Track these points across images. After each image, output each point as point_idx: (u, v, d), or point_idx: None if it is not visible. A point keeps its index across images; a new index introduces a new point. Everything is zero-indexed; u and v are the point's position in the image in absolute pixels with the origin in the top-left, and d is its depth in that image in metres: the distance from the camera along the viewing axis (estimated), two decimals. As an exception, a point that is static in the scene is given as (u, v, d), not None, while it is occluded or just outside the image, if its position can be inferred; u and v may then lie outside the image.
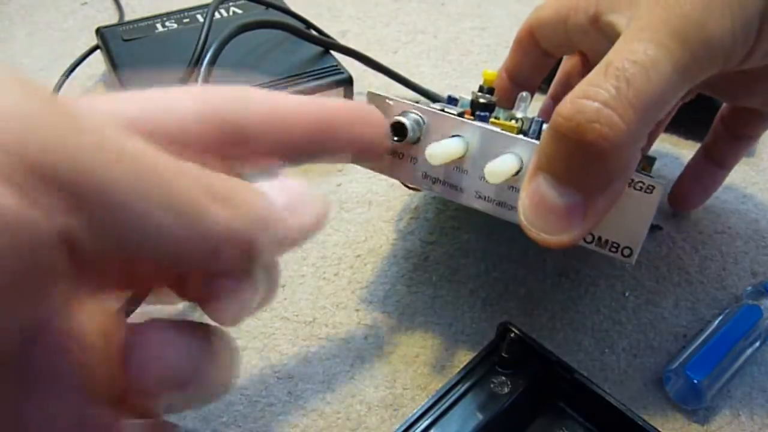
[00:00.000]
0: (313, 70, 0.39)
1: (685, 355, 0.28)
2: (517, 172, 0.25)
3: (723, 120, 0.33)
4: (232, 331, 0.31)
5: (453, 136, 0.26)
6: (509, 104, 0.29)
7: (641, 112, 0.21)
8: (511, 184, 0.25)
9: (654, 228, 0.35)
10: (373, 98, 0.27)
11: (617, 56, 0.22)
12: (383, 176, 0.39)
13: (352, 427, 0.27)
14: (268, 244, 0.18)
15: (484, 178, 0.25)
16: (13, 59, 0.49)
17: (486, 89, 0.29)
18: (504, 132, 0.25)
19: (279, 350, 0.30)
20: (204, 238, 0.16)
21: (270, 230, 0.18)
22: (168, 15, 0.45)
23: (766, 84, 0.28)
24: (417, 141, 0.26)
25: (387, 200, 0.37)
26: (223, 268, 0.17)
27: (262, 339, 0.30)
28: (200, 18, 0.44)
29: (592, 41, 0.27)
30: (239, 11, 0.45)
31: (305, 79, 0.38)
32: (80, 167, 0.13)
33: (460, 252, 0.34)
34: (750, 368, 0.29)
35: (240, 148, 0.19)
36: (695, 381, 0.27)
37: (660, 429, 0.24)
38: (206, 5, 0.46)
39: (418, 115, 0.26)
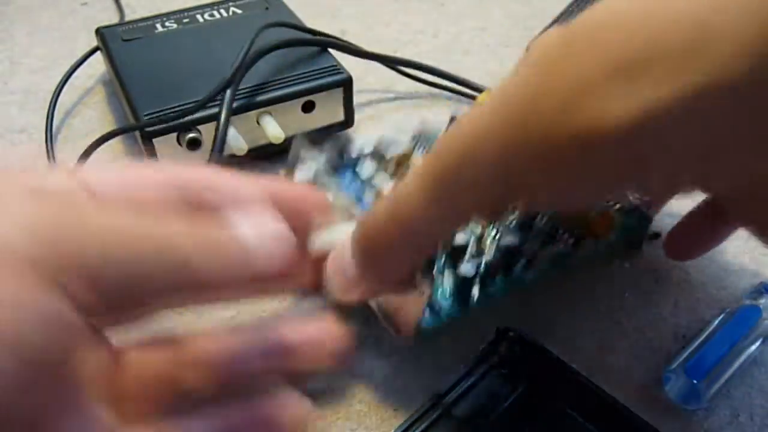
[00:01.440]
0: (313, 70, 0.39)
1: (684, 355, 0.28)
2: None
3: None
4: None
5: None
6: None
7: (402, 230, 0.24)
8: None
9: (655, 236, 0.34)
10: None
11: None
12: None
13: (352, 428, 0.27)
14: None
15: None
16: (13, 59, 0.49)
17: None
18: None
19: (279, 350, 0.30)
20: (191, 282, 0.20)
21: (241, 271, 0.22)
22: (168, 15, 0.45)
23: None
24: None
25: (387, 200, 0.37)
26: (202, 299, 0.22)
27: (262, 339, 0.30)
28: (200, 18, 0.44)
29: None
30: (239, 11, 0.45)
31: (305, 79, 0.38)
32: (91, 256, 0.18)
33: (460, 252, 0.34)
34: (750, 368, 0.29)
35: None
36: (695, 381, 0.27)
37: (660, 429, 0.24)
38: (206, 5, 0.46)
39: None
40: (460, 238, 0.29)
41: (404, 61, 0.45)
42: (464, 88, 0.45)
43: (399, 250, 0.25)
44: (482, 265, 0.28)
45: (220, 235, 0.21)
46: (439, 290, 0.28)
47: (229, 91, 0.36)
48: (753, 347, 0.29)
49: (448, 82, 0.45)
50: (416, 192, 0.23)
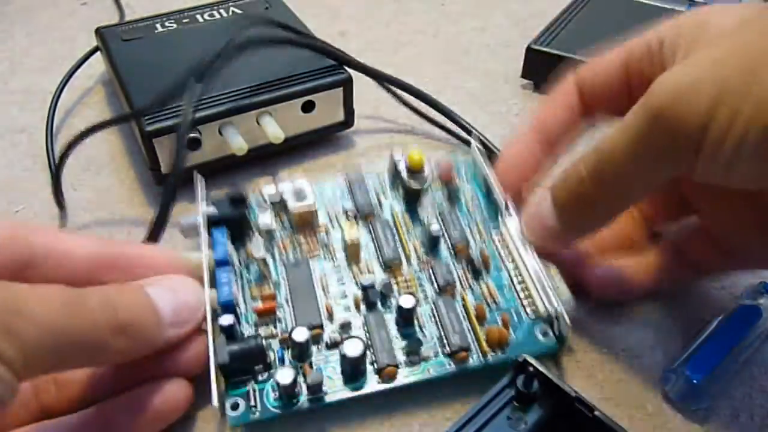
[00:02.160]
0: (313, 70, 0.39)
1: (685, 355, 0.28)
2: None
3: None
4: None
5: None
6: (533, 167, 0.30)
7: (603, 184, 0.25)
8: None
9: (655, 235, 0.34)
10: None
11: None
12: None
13: (352, 428, 0.27)
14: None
15: None
16: (13, 59, 0.49)
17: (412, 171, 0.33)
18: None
19: (279, 350, 0.30)
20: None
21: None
22: (168, 15, 0.45)
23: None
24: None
25: (387, 200, 0.37)
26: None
27: (262, 339, 0.30)
28: (200, 18, 0.44)
29: None
30: (239, 11, 0.45)
31: (305, 79, 0.38)
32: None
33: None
34: (750, 368, 0.29)
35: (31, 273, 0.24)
36: (695, 381, 0.27)
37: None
38: (206, 5, 0.46)
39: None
40: (299, 335, 0.27)
41: (380, 73, 0.42)
42: (453, 125, 0.42)
43: (598, 205, 0.25)
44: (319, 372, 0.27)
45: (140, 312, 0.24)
46: (268, 384, 0.27)
47: (198, 86, 0.34)
48: (753, 347, 0.29)
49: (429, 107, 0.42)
50: (621, 139, 0.23)
